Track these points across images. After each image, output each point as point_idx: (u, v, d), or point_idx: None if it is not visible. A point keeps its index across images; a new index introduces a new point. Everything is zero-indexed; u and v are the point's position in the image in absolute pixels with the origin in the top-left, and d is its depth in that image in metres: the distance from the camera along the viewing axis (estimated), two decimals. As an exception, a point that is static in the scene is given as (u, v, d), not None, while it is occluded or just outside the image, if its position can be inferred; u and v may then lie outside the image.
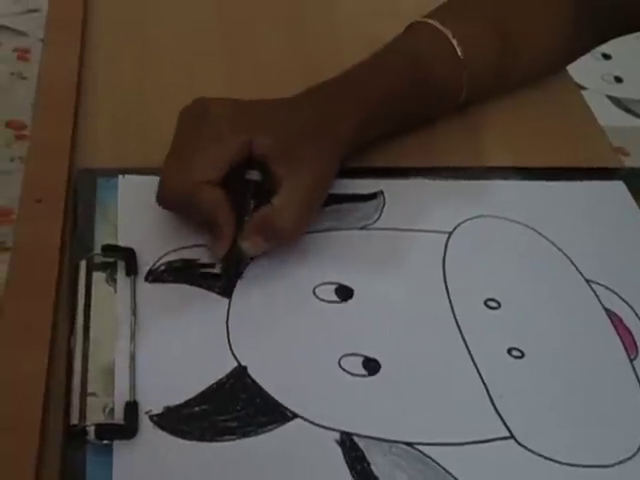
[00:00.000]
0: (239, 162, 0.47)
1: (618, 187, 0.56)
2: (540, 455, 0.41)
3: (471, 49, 0.55)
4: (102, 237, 0.47)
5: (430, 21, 0.55)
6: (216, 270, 0.47)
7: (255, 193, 0.47)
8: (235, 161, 0.46)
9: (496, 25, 0.57)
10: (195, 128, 0.47)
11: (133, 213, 0.49)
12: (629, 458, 0.41)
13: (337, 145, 0.49)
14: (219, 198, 0.45)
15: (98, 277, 0.46)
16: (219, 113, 0.48)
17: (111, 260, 0.46)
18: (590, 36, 0.62)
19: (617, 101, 1.45)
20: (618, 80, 1.49)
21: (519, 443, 0.41)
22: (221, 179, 0.46)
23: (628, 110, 1.45)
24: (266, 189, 0.46)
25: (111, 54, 0.62)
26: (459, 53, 0.54)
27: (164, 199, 0.47)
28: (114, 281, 0.45)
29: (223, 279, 0.46)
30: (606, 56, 1.45)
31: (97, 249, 0.46)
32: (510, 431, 0.41)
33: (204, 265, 0.47)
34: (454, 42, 0.54)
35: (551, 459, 0.41)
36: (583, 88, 1.35)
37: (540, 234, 0.52)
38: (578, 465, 0.41)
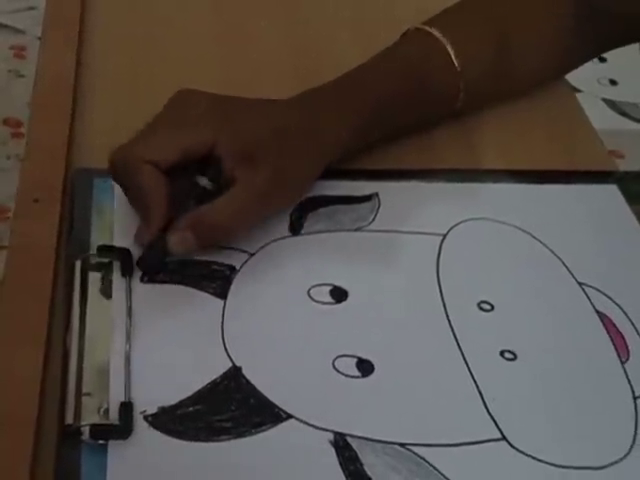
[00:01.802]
0: (194, 158, 0.46)
1: (611, 191, 0.56)
2: (532, 456, 0.41)
3: (468, 60, 0.55)
4: (98, 237, 0.47)
5: (428, 29, 0.55)
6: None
7: (200, 199, 0.46)
8: (189, 154, 0.45)
9: (495, 35, 0.57)
10: (168, 114, 0.47)
11: (129, 214, 0.49)
12: (620, 460, 0.41)
13: (321, 154, 0.49)
14: (157, 182, 0.44)
15: (94, 277, 0.46)
16: (194, 105, 0.47)
17: (106, 260, 0.46)
18: (589, 47, 0.62)
19: (612, 104, 1.46)
20: (613, 83, 1.49)
21: (511, 445, 0.41)
22: (168, 165, 0.45)
23: (623, 113, 1.46)
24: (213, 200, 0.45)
25: (108, 53, 0.62)
26: (456, 64, 0.54)
27: (110, 169, 0.46)
28: (110, 281, 0.46)
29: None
30: (602, 59, 1.45)
31: (93, 249, 0.47)
32: (502, 432, 0.42)
33: (199, 266, 0.47)
34: (452, 53, 0.54)
35: (542, 460, 0.41)
36: (578, 91, 1.35)
37: (533, 237, 0.52)
38: (569, 467, 0.41)
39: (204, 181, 0.46)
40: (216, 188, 0.46)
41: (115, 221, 0.48)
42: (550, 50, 0.60)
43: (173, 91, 0.52)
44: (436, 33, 0.55)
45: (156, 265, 0.46)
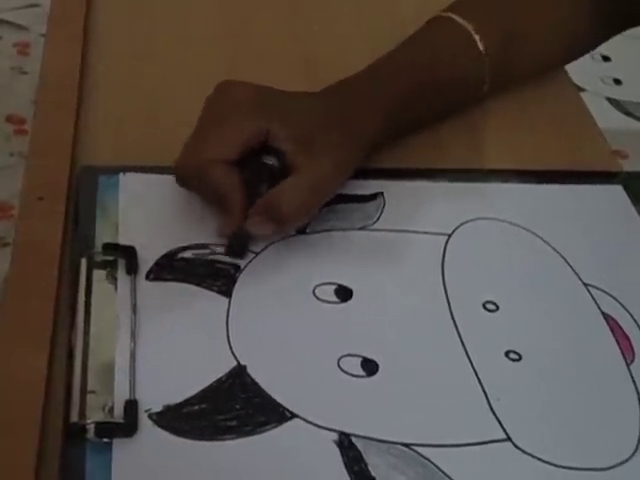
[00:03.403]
0: (255, 147, 0.47)
1: (616, 191, 0.56)
2: (536, 457, 0.41)
3: (492, 43, 0.55)
4: (103, 235, 0.47)
5: (451, 15, 0.56)
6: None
7: (270, 178, 0.47)
8: (250, 145, 0.47)
9: (515, 17, 0.58)
10: (216, 109, 0.48)
11: (134, 211, 0.49)
12: (625, 461, 0.41)
13: (359, 142, 0.50)
14: (231, 176, 0.46)
15: (99, 275, 0.46)
16: (240, 97, 0.48)
17: (111, 258, 0.46)
18: (607, 27, 0.62)
19: (617, 103, 1.46)
20: (617, 82, 1.49)
21: (516, 445, 0.41)
22: (235, 159, 0.46)
23: (627, 113, 1.46)
24: (283, 176, 0.47)
25: (113, 50, 0.62)
26: (481, 48, 0.55)
27: (179, 175, 0.48)
28: (115, 279, 0.46)
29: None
30: (605, 58, 1.45)
31: (98, 247, 0.47)
32: (507, 433, 0.42)
33: (204, 264, 0.47)
34: (476, 37, 0.55)
35: (547, 462, 0.41)
36: (582, 90, 1.35)
37: (539, 237, 0.52)
38: (574, 468, 0.41)
39: (271, 160, 0.47)
40: (282, 165, 0.47)
41: (120, 219, 0.48)
42: (569, 30, 0.60)
43: (179, 90, 0.52)
44: (459, 19, 0.55)
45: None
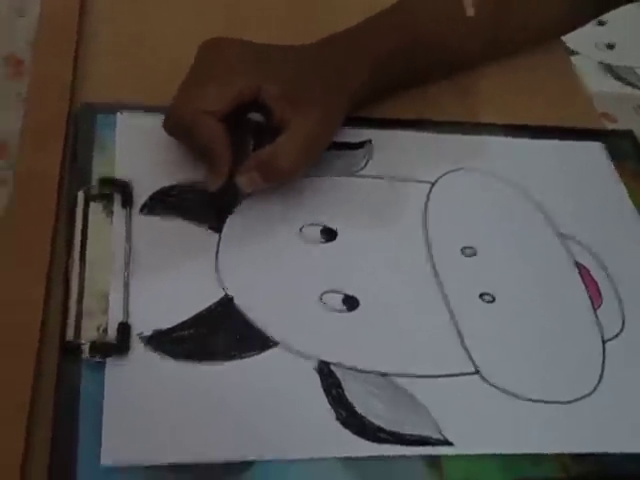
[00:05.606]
0: (244, 103, 0.48)
1: (596, 148, 0.58)
2: (502, 390, 0.44)
3: (484, 10, 0.56)
4: (100, 170, 0.49)
5: None
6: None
7: (256, 135, 0.48)
8: (240, 100, 0.48)
9: None
10: (208, 64, 0.49)
11: (130, 148, 0.51)
12: (586, 396, 0.44)
13: (345, 95, 0.51)
14: (218, 130, 0.47)
15: (95, 208, 0.48)
16: (233, 54, 0.49)
17: (108, 192, 0.48)
18: (593, 7, 0.63)
19: (609, 68, 1.47)
20: (610, 47, 1.50)
21: (484, 378, 0.44)
22: (223, 113, 0.47)
23: (619, 77, 1.47)
24: (269, 133, 0.48)
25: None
26: (471, 13, 0.56)
27: (168, 125, 0.49)
28: (110, 212, 0.47)
29: (215, 212, 0.48)
30: (600, 22, 1.46)
31: (95, 181, 0.48)
32: (476, 367, 0.44)
33: (197, 201, 0.49)
34: (467, 2, 0.56)
35: (513, 394, 0.44)
36: (575, 53, 1.36)
37: (518, 188, 0.54)
38: (538, 400, 0.44)
39: (256, 116, 0.48)
40: (268, 122, 0.48)
41: (117, 155, 0.50)
42: (555, 6, 0.61)
43: (178, 32, 0.53)
44: None
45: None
